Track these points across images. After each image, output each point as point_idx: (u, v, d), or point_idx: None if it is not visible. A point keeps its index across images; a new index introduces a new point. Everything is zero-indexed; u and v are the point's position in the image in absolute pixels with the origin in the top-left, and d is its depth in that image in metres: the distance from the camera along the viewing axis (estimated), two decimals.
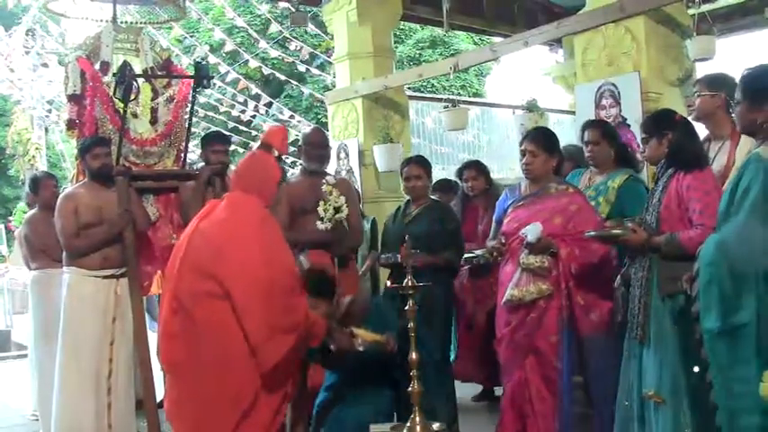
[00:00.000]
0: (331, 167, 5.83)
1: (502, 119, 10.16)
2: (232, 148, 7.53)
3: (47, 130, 17.22)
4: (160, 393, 3.70)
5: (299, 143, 4.32)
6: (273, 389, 2.69)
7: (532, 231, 3.38)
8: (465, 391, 4.90)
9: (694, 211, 2.83)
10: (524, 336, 3.47)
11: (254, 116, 15.11)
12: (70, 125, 4.52)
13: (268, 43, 13.34)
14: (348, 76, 7.06)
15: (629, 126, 4.63)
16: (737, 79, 2.65)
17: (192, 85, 4.31)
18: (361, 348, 3.02)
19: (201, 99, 13.77)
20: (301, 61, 13.51)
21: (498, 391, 4.31)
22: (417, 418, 2.80)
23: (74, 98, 4.47)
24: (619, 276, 3.18)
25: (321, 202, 4.00)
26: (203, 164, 4.42)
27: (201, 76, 4.17)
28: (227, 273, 2.60)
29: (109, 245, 4.00)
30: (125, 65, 3.99)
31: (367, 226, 5.27)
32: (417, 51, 19.92)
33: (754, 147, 2.53)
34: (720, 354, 2.38)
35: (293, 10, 7.45)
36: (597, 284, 3.40)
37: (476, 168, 5.09)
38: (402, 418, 2.92)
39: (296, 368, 2.87)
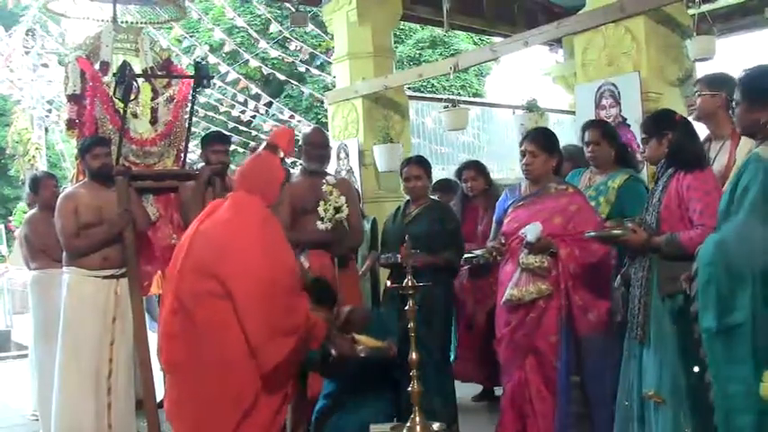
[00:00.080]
0: (331, 167, 5.83)
1: (502, 119, 10.16)
2: (232, 148, 7.53)
3: (47, 130, 17.22)
4: (160, 393, 3.70)
5: (299, 143, 4.32)
6: (274, 390, 2.69)
7: (532, 231, 3.38)
8: (465, 391, 4.90)
9: (695, 211, 2.83)
10: (524, 336, 3.47)
11: (254, 116, 15.12)
12: (70, 125, 4.52)
13: (268, 43, 13.34)
14: (348, 76, 7.06)
15: (629, 126, 4.63)
16: (737, 80, 2.65)
17: (192, 85, 4.31)
18: (362, 354, 3.01)
19: (201, 99, 13.77)
20: (301, 61, 13.52)
21: (498, 391, 4.31)
22: (417, 418, 2.80)
23: (74, 98, 4.48)
24: (619, 276, 3.18)
25: (321, 202, 4.00)
26: (203, 164, 4.41)
27: (201, 76, 4.17)
28: (229, 272, 2.60)
29: (109, 245, 4.00)
30: (125, 65, 3.99)
31: (367, 226, 5.27)
32: (417, 51, 19.92)
33: (754, 147, 2.52)
34: (717, 353, 2.39)
35: (293, 10, 7.45)
36: (596, 285, 3.40)
37: (475, 169, 5.09)
38: (402, 419, 2.91)
39: (296, 370, 2.87)
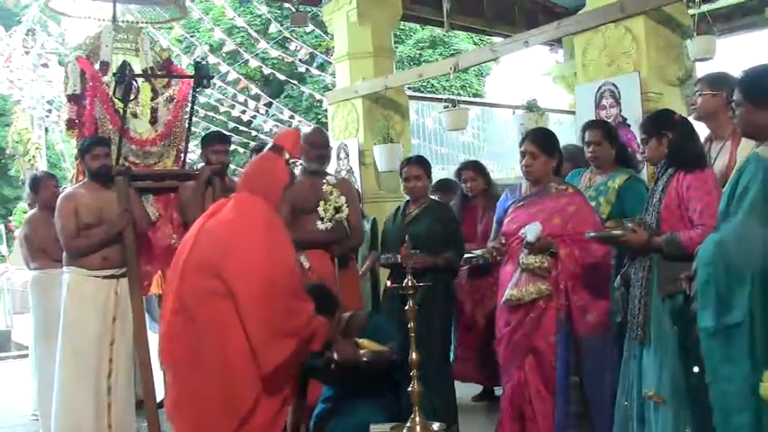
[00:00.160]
0: (331, 167, 5.83)
1: (502, 119, 10.17)
2: (232, 148, 7.53)
3: (47, 130, 17.23)
4: (160, 393, 3.70)
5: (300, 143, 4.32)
6: (274, 391, 2.68)
7: (532, 231, 3.38)
8: (465, 391, 4.90)
9: (695, 211, 2.83)
10: (523, 336, 3.47)
11: (254, 116, 15.12)
12: (70, 125, 4.52)
13: (268, 43, 13.35)
14: (348, 76, 7.06)
15: (629, 126, 4.63)
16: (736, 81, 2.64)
17: (192, 85, 4.31)
18: (365, 359, 3.00)
19: (201, 99, 13.78)
20: (301, 61, 13.52)
21: (498, 391, 4.31)
22: (417, 418, 2.80)
23: (74, 98, 4.48)
24: (619, 276, 3.18)
25: (321, 202, 4.00)
26: (203, 164, 4.41)
27: (201, 76, 4.17)
28: (232, 272, 2.60)
29: (109, 245, 4.00)
30: (125, 65, 3.99)
31: (367, 226, 5.27)
32: (417, 51, 19.93)
33: (754, 147, 2.52)
34: (714, 353, 2.39)
35: (293, 10, 7.45)
36: (595, 285, 3.40)
37: (474, 169, 5.08)
38: (402, 419, 2.91)
39: (297, 372, 2.87)
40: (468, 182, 5.01)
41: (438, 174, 6.68)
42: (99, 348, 3.96)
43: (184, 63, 12.15)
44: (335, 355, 2.97)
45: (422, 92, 14.67)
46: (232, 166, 4.65)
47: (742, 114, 2.50)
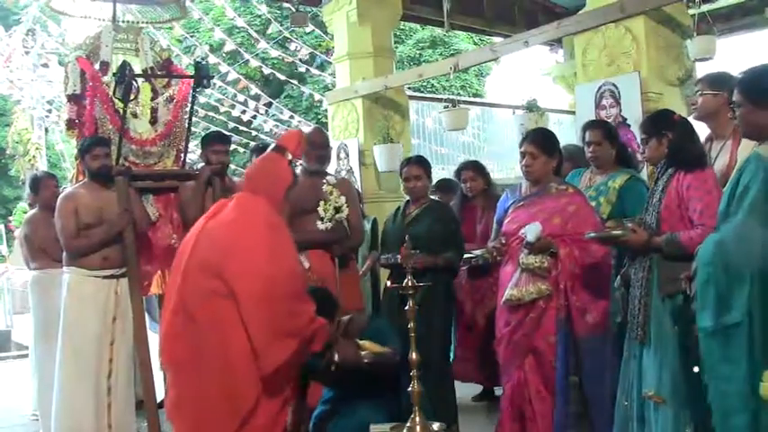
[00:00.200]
0: (331, 167, 5.83)
1: (502, 119, 10.17)
2: (232, 148, 7.53)
3: (47, 130, 17.24)
4: (160, 393, 3.70)
5: None
6: (275, 392, 2.68)
7: (532, 231, 3.38)
8: (465, 391, 4.90)
9: (695, 211, 2.83)
10: (523, 336, 3.47)
11: (254, 116, 15.13)
12: (70, 125, 4.52)
13: (268, 43, 13.35)
14: (348, 76, 7.06)
15: (629, 126, 4.63)
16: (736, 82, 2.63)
17: (192, 85, 4.31)
18: (366, 360, 2.99)
19: (201, 99, 13.79)
20: (301, 61, 13.52)
21: (498, 391, 4.31)
22: (417, 418, 2.80)
23: (74, 98, 4.48)
24: (619, 276, 3.18)
25: (322, 202, 4.00)
26: (203, 164, 4.41)
27: (201, 76, 4.17)
28: (234, 272, 2.59)
29: (109, 245, 4.00)
30: (125, 65, 3.99)
31: (367, 226, 5.27)
32: (417, 51, 19.94)
33: (755, 146, 2.52)
34: (713, 353, 2.39)
35: (293, 10, 7.45)
36: (595, 286, 3.41)
37: (474, 169, 5.08)
38: (402, 419, 2.91)
39: (298, 373, 2.86)
40: (468, 182, 5.01)
41: (438, 174, 6.69)
42: (99, 348, 3.96)
43: (184, 63, 12.15)
44: (337, 357, 2.96)
45: (422, 92, 14.68)
46: (232, 166, 4.65)
47: (742, 115, 2.50)
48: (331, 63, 9.54)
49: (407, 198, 4.36)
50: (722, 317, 2.34)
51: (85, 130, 4.40)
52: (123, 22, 4.89)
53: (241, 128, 16.04)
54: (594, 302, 3.40)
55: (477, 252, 4.49)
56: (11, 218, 20.60)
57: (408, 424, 2.80)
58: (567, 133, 7.41)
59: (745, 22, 7.68)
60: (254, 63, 14.12)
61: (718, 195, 2.74)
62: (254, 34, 13.78)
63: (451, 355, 4.71)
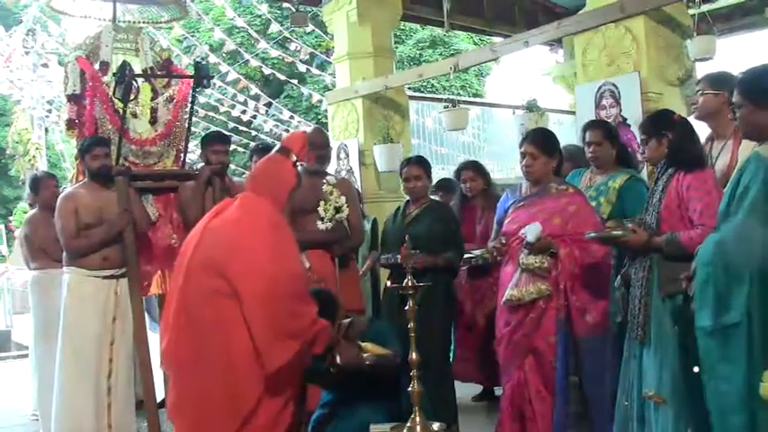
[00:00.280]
0: (331, 167, 5.83)
1: (502, 119, 10.17)
2: (232, 148, 7.53)
3: (47, 130, 17.24)
4: (160, 393, 3.70)
5: None
6: (276, 392, 2.68)
7: (532, 231, 3.38)
8: (465, 391, 4.90)
9: (695, 211, 2.83)
10: (523, 336, 3.47)
11: (254, 116, 15.13)
12: (70, 125, 4.52)
13: (268, 43, 13.35)
14: (348, 76, 7.06)
15: (629, 126, 4.63)
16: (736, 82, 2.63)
17: (192, 85, 4.31)
18: (368, 362, 2.99)
19: (201, 99, 13.79)
20: (301, 61, 13.52)
21: (498, 391, 4.31)
22: (417, 418, 2.80)
23: (73, 98, 4.48)
24: (619, 276, 3.18)
25: (322, 202, 4.00)
26: (203, 164, 4.41)
27: (201, 76, 4.17)
28: (237, 271, 2.59)
29: (109, 245, 4.00)
30: (125, 65, 3.99)
31: (368, 226, 5.27)
32: (417, 51, 19.95)
33: (756, 146, 2.51)
34: (712, 352, 2.39)
35: (293, 10, 7.45)
36: (595, 286, 3.40)
37: (474, 169, 5.08)
38: (402, 419, 2.91)
39: (299, 374, 2.86)
40: (468, 182, 5.01)
41: (438, 174, 6.69)
42: (99, 348, 3.96)
43: (184, 63, 12.14)
44: (338, 359, 2.96)
45: (422, 92, 14.68)
46: (232, 166, 4.65)
47: (743, 115, 2.49)
48: (331, 63, 9.54)
49: (407, 198, 4.36)
50: (721, 317, 2.34)
51: (85, 130, 4.40)
52: (123, 22, 4.89)
53: (241, 128, 16.04)
54: (594, 302, 3.40)
55: (477, 252, 4.49)
56: (11, 218, 20.61)
57: (408, 424, 2.80)
58: (568, 133, 7.41)
59: (745, 22, 7.69)
60: (254, 63, 14.12)
61: (717, 195, 2.74)
62: (254, 34, 13.78)
63: (451, 355, 4.71)
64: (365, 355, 3.00)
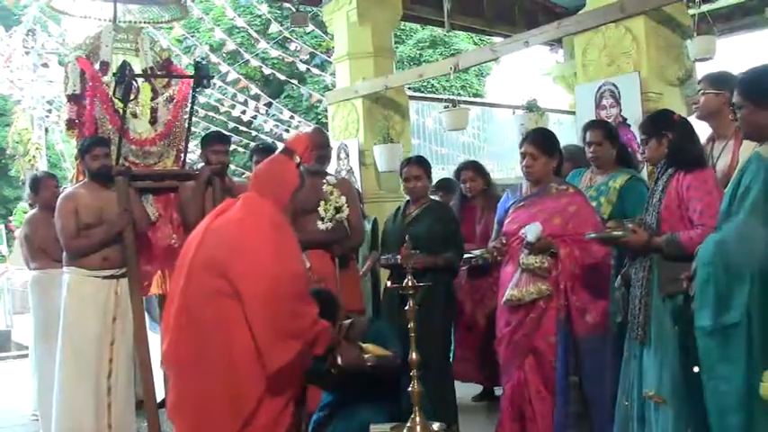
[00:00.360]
0: (331, 167, 5.83)
1: (502, 119, 10.17)
2: (232, 148, 7.53)
3: (47, 130, 17.24)
4: (160, 393, 3.70)
5: None
6: (278, 391, 2.67)
7: (532, 231, 3.38)
8: (465, 391, 4.90)
9: (695, 211, 2.83)
10: (524, 336, 3.47)
11: (254, 116, 15.13)
12: (70, 125, 4.52)
13: (268, 43, 13.35)
14: (348, 76, 7.06)
15: (629, 126, 4.63)
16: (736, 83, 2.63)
17: (192, 85, 4.31)
18: (369, 363, 2.99)
19: (201, 99, 13.79)
20: (301, 61, 13.52)
21: (498, 391, 4.31)
22: (417, 418, 2.80)
23: (73, 98, 4.48)
24: (619, 276, 3.18)
25: (322, 202, 4.00)
26: (203, 164, 4.41)
27: (201, 76, 4.17)
28: (239, 271, 2.59)
29: (109, 245, 4.00)
30: (125, 65, 3.99)
31: (368, 226, 5.27)
32: (418, 51, 19.95)
33: (756, 146, 2.51)
34: (711, 352, 2.39)
35: (293, 10, 7.45)
36: (595, 286, 3.40)
37: (473, 169, 5.08)
38: (402, 419, 2.91)
39: (300, 374, 2.86)
40: (468, 182, 5.01)
41: (438, 174, 6.69)
42: (99, 348, 3.96)
43: (184, 63, 12.15)
44: (339, 360, 2.96)
45: (422, 92, 14.68)
46: (232, 166, 4.65)
47: (744, 116, 2.49)
48: (331, 63, 9.54)
49: (407, 198, 4.36)
50: (721, 316, 2.34)
51: (85, 130, 4.40)
52: (123, 22, 4.89)
53: (241, 128, 16.04)
54: (594, 303, 3.40)
55: (477, 252, 4.49)
56: (11, 218, 20.62)
57: (408, 424, 2.80)
58: (568, 133, 7.41)
59: (745, 22, 7.69)
60: (254, 63, 14.13)
61: (718, 195, 2.74)
62: (254, 34, 13.78)
63: (451, 355, 4.71)
64: (366, 356, 3.00)
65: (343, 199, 4.04)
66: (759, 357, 2.28)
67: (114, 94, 4.10)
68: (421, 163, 4.30)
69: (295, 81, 16.28)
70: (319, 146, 4.24)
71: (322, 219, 3.99)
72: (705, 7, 4.85)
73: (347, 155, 6.93)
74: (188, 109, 4.46)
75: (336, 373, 2.96)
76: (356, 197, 4.40)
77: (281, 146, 3.15)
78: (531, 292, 3.42)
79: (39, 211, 5.12)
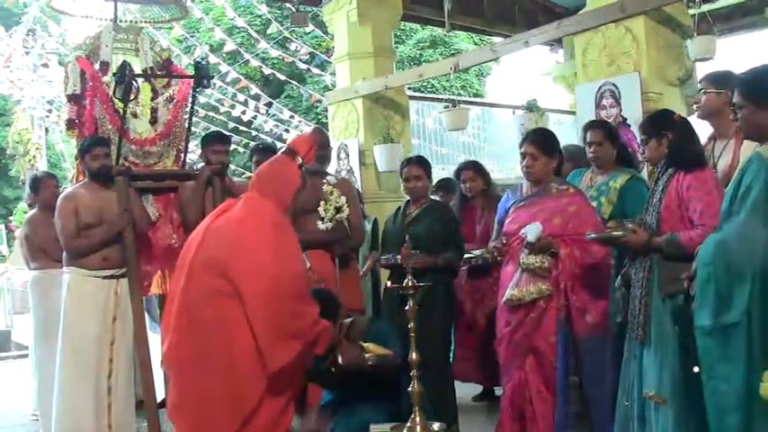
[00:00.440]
0: (331, 167, 5.83)
1: (502, 119, 10.17)
2: (232, 148, 7.53)
3: (47, 130, 17.24)
4: (160, 393, 3.70)
5: None
6: (278, 391, 2.68)
7: (532, 231, 3.38)
8: (465, 391, 4.90)
9: (695, 211, 2.83)
10: (524, 336, 3.47)
11: (254, 116, 15.13)
12: (70, 125, 4.52)
13: (268, 43, 13.35)
14: (348, 76, 7.06)
15: (629, 126, 4.63)
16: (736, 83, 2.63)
17: (192, 85, 4.31)
18: (370, 363, 2.99)
19: (201, 99, 13.79)
20: (302, 61, 13.52)
21: (498, 391, 4.31)
22: (417, 418, 2.80)
23: (74, 98, 4.48)
24: (619, 277, 3.18)
25: (322, 202, 4.00)
26: (203, 164, 4.41)
27: (201, 76, 4.17)
28: (239, 271, 2.59)
29: (109, 245, 4.00)
30: (125, 65, 3.99)
31: (368, 226, 5.27)
32: (418, 51, 19.94)
33: (757, 146, 2.51)
34: (711, 352, 2.40)
35: (293, 10, 7.45)
36: (595, 286, 3.40)
37: (473, 169, 5.08)
38: (402, 419, 2.91)
39: (301, 374, 2.86)
40: (468, 182, 5.01)
41: (438, 174, 6.68)
42: (99, 348, 3.96)
43: (184, 63, 12.15)
44: (340, 359, 2.96)
45: (422, 92, 14.68)
46: (232, 166, 4.65)
47: (744, 116, 2.49)
48: (331, 63, 9.54)
49: (407, 198, 4.36)
50: (721, 316, 2.34)
51: (85, 130, 4.40)
52: (123, 21, 4.89)
53: (241, 128, 16.03)
54: (594, 302, 3.40)
55: (477, 252, 4.49)
56: (11, 218, 20.62)
57: (408, 424, 2.81)
58: (568, 133, 7.41)
59: (745, 22, 7.69)
60: (254, 63, 14.12)
61: (718, 195, 2.74)
62: (254, 34, 13.78)
63: (451, 355, 4.71)
64: (367, 355, 3.00)
65: (344, 199, 4.04)
66: (759, 357, 2.28)
67: (114, 94, 4.10)
68: (421, 163, 4.30)
69: (295, 81, 16.27)
70: (320, 146, 4.24)
71: (322, 219, 3.99)
72: (705, 7, 4.85)
73: (347, 155, 6.93)
74: (188, 109, 4.46)
75: (337, 373, 2.97)
76: (356, 197, 4.39)
77: (281, 146, 3.15)
78: (532, 292, 3.41)
79: (39, 211, 5.12)
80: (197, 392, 2.66)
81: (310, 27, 11.44)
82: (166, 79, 4.73)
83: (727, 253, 2.38)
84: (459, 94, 17.81)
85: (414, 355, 2.81)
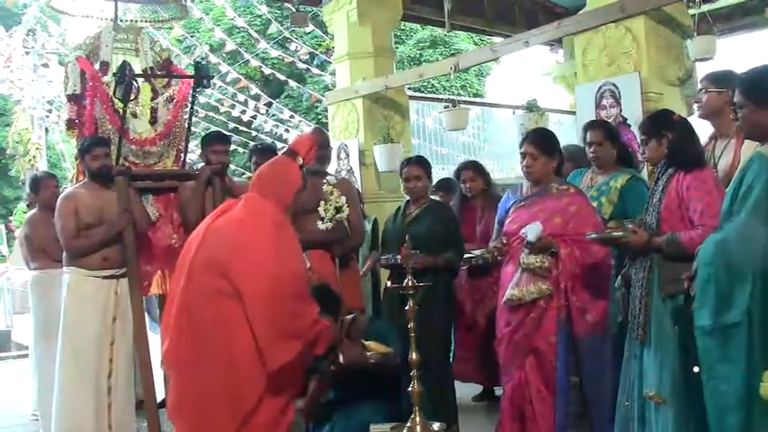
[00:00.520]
0: (331, 167, 5.83)
1: (502, 119, 10.18)
2: (232, 148, 7.53)
3: (47, 130, 17.24)
4: (160, 393, 3.70)
5: None
6: (278, 390, 2.68)
7: (532, 231, 3.38)
8: (465, 391, 4.90)
9: (695, 211, 2.83)
10: (524, 336, 3.47)
11: (254, 116, 15.14)
12: (70, 125, 4.52)
13: (268, 43, 13.36)
14: (348, 76, 7.06)
15: (629, 126, 4.63)
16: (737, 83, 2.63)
17: (192, 85, 4.31)
18: (372, 361, 2.99)
19: (202, 99, 13.80)
20: (301, 61, 13.52)
21: (498, 391, 4.31)
22: (417, 418, 2.80)
23: (74, 98, 4.48)
24: (619, 277, 3.18)
25: (322, 203, 4.00)
26: (203, 164, 4.41)
27: (201, 76, 4.17)
28: (239, 271, 2.60)
29: (109, 245, 3.99)
30: (125, 65, 3.99)
31: (368, 226, 5.27)
32: (418, 51, 19.95)
33: (758, 146, 2.51)
34: (711, 352, 2.39)
35: (293, 10, 7.45)
36: (595, 286, 3.40)
37: (473, 169, 5.08)
38: (402, 419, 2.91)
39: (301, 374, 2.86)
40: (468, 182, 5.01)
41: (438, 174, 6.69)
42: (99, 348, 3.96)
43: (184, 63, 12.15)
44: (342, 358, 2.96)
45: (422, 92, 14.68)
46: (232, 166, 4.65)
47: (745, 116, 2.49)
48: (331, 63, 9.54)
49: (407, 198, 4.36)
50: (721, 316, 2.34)
51: (85, 130, 4.40)
52: (123, 21, 4.89)
53: (241, 128, 16.04)
54: (594, 302, 3.39)
55: (478, 252, 4.49)
56: (11, 218, 20.63)
57: (408, 424, 2.81)
58: (568, 133, 7.41)
59: (745, 22, 7.69)
60: (254, 63, 14.13)
61: (718, 195, 2.74)
62: (254, 34, 13.78)
63: (451, 355, 4.71)
64: (369, 353, 3.00)
65: (344, 199, 4.04)
66: (759, 357, 2.28)
67: (114, 94, 4.10)
68: (421, 163, 4.30)
69: (295, 81, 16.28)
70: (320, 146, 4.24)
71: (322, 219, 3.99)
72: (705, 7, 4.85)
73: (347, 155, 6.93)
74: (188, 109, 4.46)
75: (338, 371, 2.97)
76: (356, 197, 4.39)
77: (281, 146, 3.16)
78: (532, 292, 3.41)
79: (39, 211, 5.12)
80: (197, 392, 2.66)
81: (310, 27, 11.44)
82: (166, 79, 4.74)
83: (727, 253, 2.37)
84: (459, 94, 17.82)
85: (414, 355, 2.81)
